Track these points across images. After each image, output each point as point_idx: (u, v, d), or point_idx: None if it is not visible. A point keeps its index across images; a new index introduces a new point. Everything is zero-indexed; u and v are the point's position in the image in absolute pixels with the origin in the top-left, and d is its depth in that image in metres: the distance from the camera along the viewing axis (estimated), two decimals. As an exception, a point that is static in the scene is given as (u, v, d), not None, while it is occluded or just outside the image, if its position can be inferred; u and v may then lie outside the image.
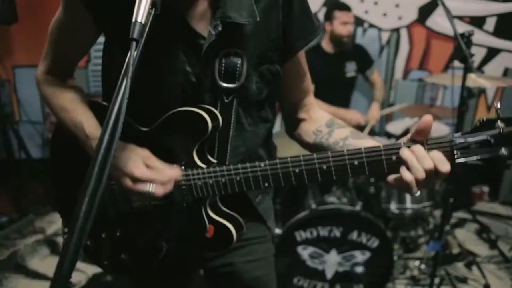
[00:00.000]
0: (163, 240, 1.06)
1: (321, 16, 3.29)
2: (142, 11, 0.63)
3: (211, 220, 1.01)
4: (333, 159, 0.86)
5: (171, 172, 0.94)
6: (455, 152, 0.80)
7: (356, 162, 0.84)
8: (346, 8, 2.96)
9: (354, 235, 2.24)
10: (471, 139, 0.79)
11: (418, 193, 0.82)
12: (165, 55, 0.96)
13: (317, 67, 2.60)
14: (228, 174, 0.94)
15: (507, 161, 0.79)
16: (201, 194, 0.97)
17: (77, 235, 0.53)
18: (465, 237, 3.07)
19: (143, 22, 0.62)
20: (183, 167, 0.98)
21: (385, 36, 3.44)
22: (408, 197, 2.48)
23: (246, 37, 0.96)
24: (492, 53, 3.45)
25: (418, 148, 0.81)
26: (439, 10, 3.28)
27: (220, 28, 0.91)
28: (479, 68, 3.47)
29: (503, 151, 0.78)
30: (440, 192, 2.63)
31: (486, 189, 3.58)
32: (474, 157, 0.79)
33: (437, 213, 3.05)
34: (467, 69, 2.07)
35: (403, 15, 3.38)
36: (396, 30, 3.42)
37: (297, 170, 0.89)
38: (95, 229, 1.00)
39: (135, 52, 0.62)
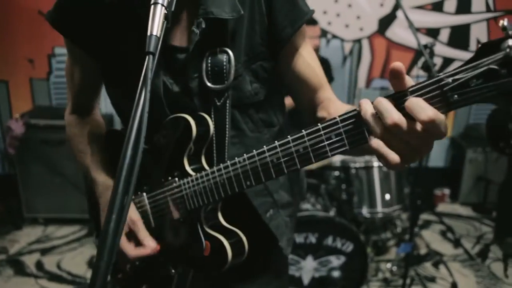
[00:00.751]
0: (172, 266, 1.01)
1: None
2: (156, 24, 0.64)
3: (207, 235, 0.94)
4: (309, 138, 0.73)
5: (138, 252, 0.96)
6: (448, 94, 0.58)
7: (333, 137, 0.70)
8: (312, 22, 3.04)
9: (329, 241, 2.29)
10: (469, 73, 0.56)
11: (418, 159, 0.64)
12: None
13: None
14: (212, 178, 0.88)
15: None
16: (194, 205, 0.94)
17: (108, 252, 0.52)
18: (431, 237, 3.20)
19: (158, 35, 0.63)
20: (176, 178, 0.96)
21: (347, 46, 3.57)
22: (379, 201, 2.57)
23: (230, 34, 0.92)
24: (447, 62, 3.65)
25: (379, 100, 0.62)
26: (398, 22, 3.45)
27: (203, 25, 0.88)
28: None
29: None
30: (407, 195, 2.73)
31: (447, 191, 3.76)
32: (478, 97, 0.56)
33: (404, 216, 3.18)
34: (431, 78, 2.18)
35: (364, 26, 3.52)
36: (358, 41, 3.55)
37: (275, 160, 0.78)
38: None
39: (152, 65, 0.62)
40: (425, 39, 3.54)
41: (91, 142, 1.09)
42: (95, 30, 0.96)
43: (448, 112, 0.62)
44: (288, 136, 0.75)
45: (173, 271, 1.01)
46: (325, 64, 3.27)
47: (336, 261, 2.34)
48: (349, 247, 2.31)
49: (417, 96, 0.60)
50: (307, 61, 0.99)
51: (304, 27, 0.97)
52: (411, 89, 0.61)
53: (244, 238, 0.95)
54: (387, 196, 2.56)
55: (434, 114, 0.58)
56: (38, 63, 3.57)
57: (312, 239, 2.30)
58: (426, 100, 0.59)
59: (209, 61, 0.91)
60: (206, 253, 0.93)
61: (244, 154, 0.83)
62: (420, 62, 2.28)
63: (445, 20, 3.56)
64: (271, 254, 1.13)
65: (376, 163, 2.51)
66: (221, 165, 0.87)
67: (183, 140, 0.93)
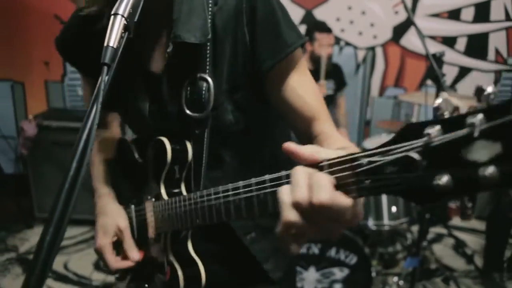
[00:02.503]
0: (146, 279, 1.05)
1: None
2: (114, 35, 0.62)
3: (169, 261, 0.95)
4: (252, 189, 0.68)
5: (120, 264, 1.01)
6: (360, 178, 0.50)
7: (261, 196, 0.66)
8: (327, 30, 3.00)
9: (332, 252, 2.24)
10: (384, 157, 0.47)
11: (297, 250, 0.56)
12: (133, 101, 0.98)
13: None
14: (183, 205, 0.88)
15: (450, 196, 0.43)
16: (162, 229, 0.96)
17: (40, 267, 0.51)
18: (442, 252, 3.11)
19: (115, 46, 0.62)
20: (153, 199, 0.98)
21: (361, 54, 3.51)
22: (385, 213, 2.50)
23: (211, 61, 0.89)
24: (463, 71, 3.56)
25: (294, 171, 0.56)
26: (413, 30, 3.38)
27: (169, 50, 0.88)
28: (452, 86, 3.57)
29: (439, 179, 0.42)
30: (416, 208, 2.66)
31: (461, 204, 3.64)
32: (386, 188, 0.47)
33: (415, 228, 3.09)
34: (440, 88, 2.13)
35: (378, 34, 3.46)
36: (372, 49, 3.49)
37: (237, 201, 0.72)
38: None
39: (106, 77, 0.61)
40: (440, 48, 3.47)
41: (97, 153, 1.15)
42: (90, 55, 0.93)
43: (360, 198, 0.52)
44: (253, 179, 0.68)
45: (146, 286, 1.03)
46: (337, 69, 3.23)
47: (339, 273, 2.28)
48: (352, 259, 2.25)
49: (328, 172, 0.53)
50: (297, 92, 0.91)
51: (293, 56, 0.90)
52: (325, 163, 0.54)
53: (202, 271, 0.93)
54: (394, 209, 2.50)
55: (328, 199, 0.50)
56: (53, 65, 3.63)
57: (315, 249, 2.25)
58: (338, 179, 0.52)
59: (189, 88, 0.90)
60: (167, 278, 0.95)
61: (218, 188, 0.78)
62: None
63: (462, 28, 3.47)
64: (256, 276, 1.07)
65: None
66: (191, 194, 0.86)
67: (160, 163, 0.93)
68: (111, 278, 2.77)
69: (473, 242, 3.26)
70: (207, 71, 0.89)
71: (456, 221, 3.60)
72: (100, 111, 1.07)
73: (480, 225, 3.53)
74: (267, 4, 0.87)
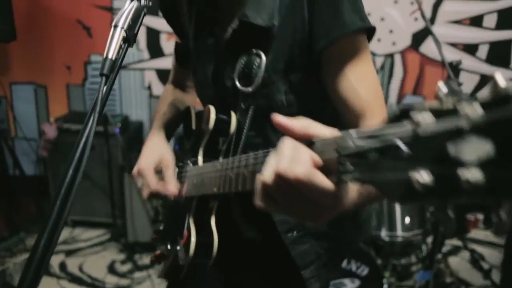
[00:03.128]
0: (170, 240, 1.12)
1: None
2: (113, 47, 0.64)
3: (188, 225, 1.00)
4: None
5: (158, 187, 1.05)
6: (341, 162, 0.46)
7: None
8: None
9: (344, 263, 2.22)
10: (368, 142, 0.42)
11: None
12: (201, 63, 1.05)
13: None
14: (212, 171, 0.90)
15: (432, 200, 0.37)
16: (189, 193, 1.03)
17: (34, 269, 0.52)
18: (458, 265, 3.03)
19: (113, 58, 0.63)
20: (190, 164, 1.06)
21: (379, 61, 3.48)
22: (399, 224, 2.46)
23: (269, 38, 0.88)
24: (485, 80, 3.48)
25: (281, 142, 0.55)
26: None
27: (234, 26, 0.90)
28: (472, 95, 3.48)
29: (418, 175, 0.36)
30: (430, 219, 2.61)
31: (480, 216, 3.56)
32: (368, 177, 0.43)
33: (431, 240, 3.03)
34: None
35: (397, 41, 3.42)
36: (390, 56, 3.45)
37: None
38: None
39: (104, 88, 0.62)
40: (461, 55, 3.41)
41: (166, 105, 1.25)
42: (179, 18, 1.10)
43: (341, 185, 0.49)
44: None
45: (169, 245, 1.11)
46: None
47: (350, 284, 2.26)
48: (364, 270, 2.22)
49: (317, 150, 0.51)
50: (350, 82, 0.85)
51: (352, 40, 0.86)
52: (317, 140, 0.52)
53: (215, 244, 0.94)
54: (407, 219, 2.45)
55: (304, 174, 0.48)
56: (75, 69, 3.72)
57: (326, 259, 2.23)
58: (324, 159, 0.50)
59: (243, 61, 0.92)
60: (183, 242, 1.00)
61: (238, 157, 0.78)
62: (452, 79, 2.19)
63: (484, 35, 3.40)
64: (288, 282, 1.02)
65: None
66: (215, 162, 0.90)
67: (203, 130, 0.99)
68: (124, 282, 2.81)
69: (491, 256, 3.17)
70: (263, 47, 0.89)
71: (473, 233, 3.51)
72: (181, 72, 1.27)
73: (499, 238, 3.44)
74: None
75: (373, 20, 3.33)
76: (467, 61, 3.42)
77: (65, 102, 3.79)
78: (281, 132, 0.89)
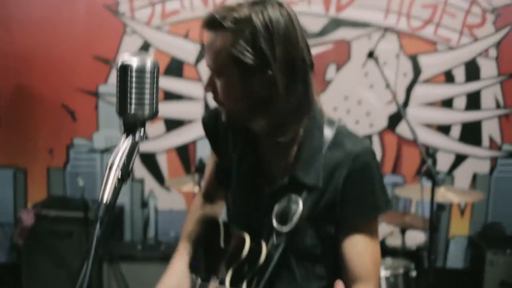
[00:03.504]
0: None
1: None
2: (108, 190, 0.65)
3: None
4: None
5: None
6: None
7: None
8: None
9: None
10: None
11: None
12: (242, 192, 1.18)
13: None
14: None
15: None
16: None
17: None
18: None
19: (108, 202, 0.64)
20: (218, 282, 1.12)
21: (358, 141, 3.58)
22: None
23: (310, 192, 1.05)
24: (459, 158, 3.60)
25: None
26: (408, 118, 3.48)
27: (285, 182, 1.07)
28: (450, 173, 3.59)
29: None
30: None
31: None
32: None
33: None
34: (435, 184, 2.14)
35: (374, 122, 3.56)
36: (369, 137, 3.57)
37: None
38: None
39: (98, 233, 0.62)
40: (436, 136, 3.55)
41: (194, 221, 1.33)
42: (221, 141, 1.24)
43: None
44: None
45: None
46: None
47: None
48: None
49: None
50: (359, 249, 1.06)
51: (374, 221, 1.09)
52: None
53: None
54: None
55: None
56: (57, 153, 3.69)
57: None
58: None
59: (282, 203, 1.07)
60: None
61: None
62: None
63: (456, 116, 3.57)
64: None
65: (383, 273, 2.39)
66: None
67: (237, 254, 1.08)
68: None
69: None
70: (302, 195, 1.06)
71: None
72: (214, 185, 1.35)
73: None
74: (368, 169, 1.04)
75: (350, 103, 3.52)
76: (442, 141, 3.57)
77: (45, 186, 3.72)
78: (304, 266, 1.11)
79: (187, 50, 3.53)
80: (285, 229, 1.05)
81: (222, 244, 1.20)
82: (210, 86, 1.04)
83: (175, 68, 3.54)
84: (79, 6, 3.52)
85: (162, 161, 3.66)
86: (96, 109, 3.65)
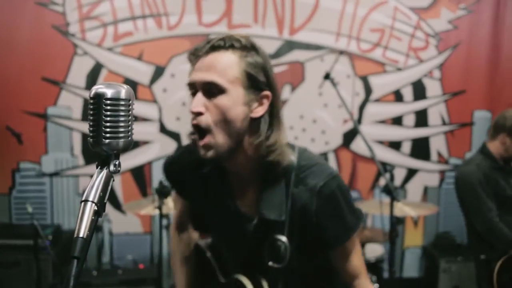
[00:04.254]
0: None
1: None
2: (84, 225, 0.61)
3: None
4: None
5: None
6: None
7: None
8: None
9: None
10: None
11: None
12: (225, 230, 1.25)
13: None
14: None
15: None
16: None
17: None
18: None
19: (85, 236, 0.61)
20: None
21: (315, 159, 3.65)
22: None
23: (288, 228, 1.13)
24: (411, 172, 3.77)
25: None
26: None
27: (255, 221, 1.14)
28: (402, 186, 3.74)
29: None
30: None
31: (423, 305, 3.63)
32: None
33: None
34: (394, 199, 2.22)
35: (329, 140, 3.65)
36: (325, 154, 3.65)
37: None
38: None
39: (75, 270, 0.59)
40: (388, 152, 3.70)
41: (180, 263, 1.45)
42: (190, 187, 1.30)
43: None
44: None
45: None
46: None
47: None
48: None
49: None
50: (348, 258, 1.20)
51: (354, 236, 1.18)
52: None
53: None
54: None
55: None
56: (0, 177, 3.48)
57: None
58: None
59: (270, 244, 1.13)
60: None
61: None
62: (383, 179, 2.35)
63: (406, 133, 3.74)
64: None
65: None
66: None
67: None
68: None
69: None
70: (284, 234, 1.13)
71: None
72: (186, 218, 1.45)
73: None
74: (332, 198, 1.11)
75: (306, 122, 3.59)
76: (394, 156, 3.72)
77: (-13, 214, 3.48)
78: (306, 281, 1.24)
79: (141, 72, 3.49)
80: (281, 265, 1.12)
81: (222, 279, 1.25)
82: (203, 107, 1.03)
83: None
84: (26, 26, 3.38)
85: (117, 184, 3.55)
86: (44, 131, 3.50)
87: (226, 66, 1.02)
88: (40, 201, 3.48)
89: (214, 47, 1.04)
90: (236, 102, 1.03)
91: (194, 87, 1.07)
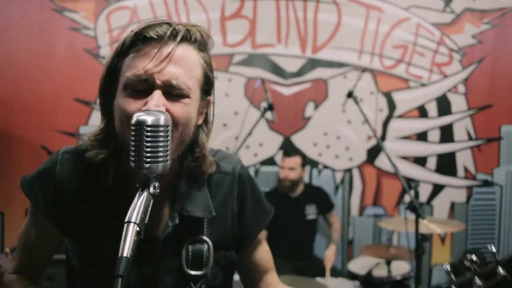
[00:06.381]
0: None
1: (278, 159, 3.51)
2: (128, 245, 0.67)
3: None
4: None
5: None
6: None
7: None
8: (287, 153, 3.23)
9: None
10: None
11: None
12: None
13: (277, 210, 2.67)
14: None
15: None
16: None
17: None
18: None
19: (129, 256, 0.66)
20: None
21: (338, 176, 3.67)
22: None
23: (206, 227, 1.02)
24: (437, 188, 3.72)
25: None
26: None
27: (177, 221, 0.96)
28: (428, 203, 3.70)
29: None
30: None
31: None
32: None
33: None
34: (419, 216, 2.21)
35: (353, 156, 3.66)
36: (349, 170, 3.66)
37: None
38: None
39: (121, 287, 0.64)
40: (413, 167, 3.67)
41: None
42: (71, 211, 0.97)
43: None
44: None
45: None
46: (322, 194, 3.38)
47: None
48: None
49: None
50: (262, 249, 1.17)
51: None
52: None
53: None
54: None
55: None
56: (36, 195, 3.62)
57: None
58: None
59: (190, 249, 0.99)
60: None
61: None
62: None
63: (431, 148, 3.72)
64: None
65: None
66: None
67: None
68: None
69: None
70: (205, 234, 1.01)
71: None
72: (38, 260, 1.06)
73: None
74: (251, 183, 1.11)
75: (329, 139, 3.62)
76: (419, 172, 3.69)
77: (22, 230, 3.61)
78: None
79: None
80: (203, 271, 0.98)
81: None
82: (163, 107, 0.82)
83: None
84: (59, 50, 3.56)
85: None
86: (77, 150, 3.63)
87: (193, 66, 0.87)
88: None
89: (178, 37, 0.85)
90: (194, 109, 0.89)
91: (145, 81, 0.83)
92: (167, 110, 0.82)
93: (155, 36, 0.83)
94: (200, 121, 0.96)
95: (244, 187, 1.08)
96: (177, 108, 0.84)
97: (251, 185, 1.11)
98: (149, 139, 0.74)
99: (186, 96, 0.86)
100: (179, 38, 0.85)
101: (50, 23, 3.52)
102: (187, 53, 0.87)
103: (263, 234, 1.17)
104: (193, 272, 0.98)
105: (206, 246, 0.99)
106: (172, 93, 0.84)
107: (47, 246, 1.06)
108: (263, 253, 1.17)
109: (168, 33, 0.84)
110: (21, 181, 1.02)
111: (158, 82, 0.83)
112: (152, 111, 0.78)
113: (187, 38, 0.87)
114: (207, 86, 0.93)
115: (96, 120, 3.61)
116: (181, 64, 0.85)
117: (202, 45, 0.90)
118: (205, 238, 1.00)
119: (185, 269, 0.97)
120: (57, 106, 3.59)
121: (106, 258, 0.83)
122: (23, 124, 3.58)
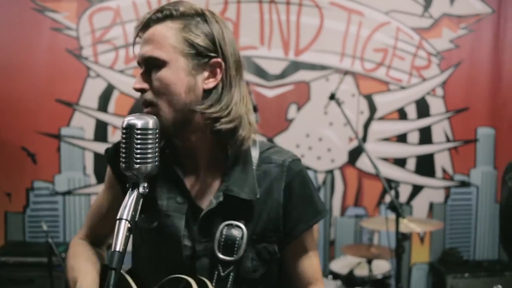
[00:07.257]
0: None
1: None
2: (120, 240, 0.70)
3: None
4: None
5: None
6: None
7: None
8: None
9: None
10: None
11: None
12: (168, 226, 1.02)
13: None
14: None
15: None
16: None
17: None
18: None
19: (121, 250, 0.68)
20: None
21: (320, 177, 3.72)
22: None
23: (247, 213, 1.02)
24: (416, 189, 3.82)
25: None
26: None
27: (221, 199, 1.00)
28: (408, 203, 3.78)
29: None
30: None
31: (431, 321, 3.64)
32: None
33: None
34: (399, 216, 2.28)
35: (335, 158, 3.72)
36: (331, 172, 3.72)
37: None
38: None
39: (112, 281, 0.66)
40: (393, 169, 3.76)
41: (86, 261, 1.09)
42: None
43: None
44: None
45: None
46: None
47: None
48: None
49: None
50: (308, 255, 1.11)
51: (313, 228, 1.11)
52: None
53: None
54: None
55: None
56: (15, 196, 3.58)
57: None
58: None
59: (224, 232, 1.00)
60: None
61: None
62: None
63: (410, 150, 3.81)
64: None
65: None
66: None
67: None
68: None
69: None
70: (243, 220, 1.02)
71: None
72: (105, 227, 1.12)
73: None
74: (303, 176, 1.08)
75: (312, 140, 3.68)
76: (399, 173, 3.78)
77: (2, 232, 3.57)
78: None
79: (151, 92, 3.59)
80: (233, 258, 0.99)
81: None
82: (146, 82, 0.97)
83: (139, 110, 3.57)
84: (41, 50, 3.52)
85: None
86: (58, 151, 3.60)
87: (163, 37, 0.96)
88: (53, 219, 3.56)
89: (153, 20, 0.98)
90: (178, 73, 0.96)
91: (138, 64, 1.01)
92: (150, 82, 0.97)
93: (140, 27, 1.00)
94: (209, 85, 0.99)
95: (293, 180, 1.05)
96: (155, 77, 0.97)
97: (302, 180, 1.07)
98: (139, 141, 0.77)
99: (162, 64, 0.96)
100: (152, 23, 0.99)
101: (31, 23, 3.49)
102: (156, 30, 0.98)
103: (312, 242, 1.11)
104: (222, 256, 0.99)
105: (241, 232, 1.00)
106: (151, 65, 0.97)
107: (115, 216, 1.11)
108: (307, 259, 1.10)
109: (145, 22, 1.00)
110: (105, 150, 1.17)
111: (140, 62, 1.00)
112: (142, 115, 0.82)
113: (160, 18, 0.99)
114: (193, 50, 0.97)
115: (77, 121, 3.58)
116: (152, 41, 0.97)
117: (176, 16, 0.99)
118: (240, 225, 1.00)
119: (216, 251, 0.99)
120: (38, 107, 3.55)
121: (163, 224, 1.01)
122: (3, 125, 3.53)
